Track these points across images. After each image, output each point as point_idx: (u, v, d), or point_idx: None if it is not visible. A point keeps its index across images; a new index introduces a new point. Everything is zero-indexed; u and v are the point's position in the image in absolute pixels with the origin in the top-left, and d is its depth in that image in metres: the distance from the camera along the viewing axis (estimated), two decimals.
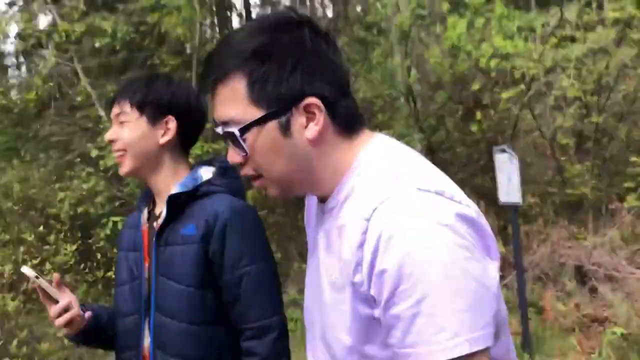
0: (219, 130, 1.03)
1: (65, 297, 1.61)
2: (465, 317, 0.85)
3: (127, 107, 1.63)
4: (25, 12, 6.39)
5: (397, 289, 0.86)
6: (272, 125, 0.98)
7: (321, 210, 1.10)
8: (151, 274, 1.64)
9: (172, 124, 1.64)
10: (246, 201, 1.72)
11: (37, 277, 1.55)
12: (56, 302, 1.59)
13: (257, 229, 1.63)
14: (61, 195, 6.34)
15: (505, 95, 6.13)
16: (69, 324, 1.61)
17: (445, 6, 6.73)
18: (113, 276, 6.52)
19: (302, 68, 0.97)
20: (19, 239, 7.23)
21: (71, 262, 6.82)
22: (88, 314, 1.67)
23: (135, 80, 1.71)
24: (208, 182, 1.65)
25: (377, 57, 6.58)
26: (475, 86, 6.78)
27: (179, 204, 1.61)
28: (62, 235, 7.36)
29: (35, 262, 6.43)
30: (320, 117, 0.98)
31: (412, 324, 0.86)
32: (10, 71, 13.70)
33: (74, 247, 7.08)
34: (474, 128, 6.86)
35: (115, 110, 1.65)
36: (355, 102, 1.05)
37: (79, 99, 6.54)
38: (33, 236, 6.80)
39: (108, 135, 1.66)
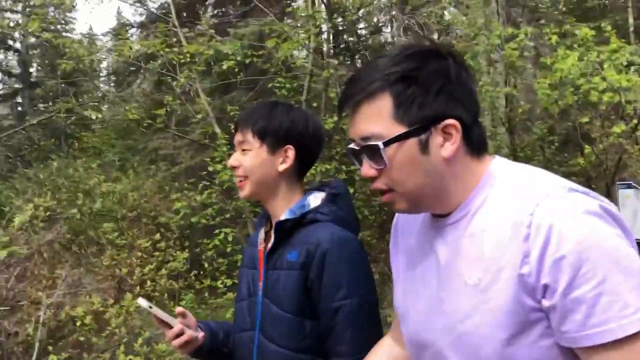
0: (354, 145, 1.12)
1: (187, 321, 1.71)
2: None
3: (249, 136, 1.69)
4: (160, 33, 6.92)
5: (578, 273, 0.93)
6: (412, 142, 1.07)
7: (436, 225, 1.16)
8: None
9: (291, 152, 1.68)
10: (354, 230, 1.70)
11: (150, 307, 1.64)
12: (171, 327, 1.68)
13: (357, 260, 1.61)
14: (178, 205, 6.78)
15: (617, 129, 6.08)
16: (184, 345, 1.69)
17: (554, 39, 6.78)
18: (219, 285, 6.93)
19: (446, 93, 1.07)
20: (133, 244, 7.78)
21: (182, 269, 7.25)
22: (201, 334, 1.73)
23: (257, 109, 1.74)
24: (315, 209, 1.67)
25: (485, 86, 6.68)
26: (584, 119, 6.76)
27: (285, 230, 1.66)
28: (171, 243, 7.86)
29: (151, 266, 6.89)
30: (457, 138, 1.07)
31: (597, 304, 0.92)
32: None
33: (185, 254, 7.53)
34: (580, 161, 6.82)
35: (238, 137, 1.72)
36: (483, 128, 1.15)
37: (199, 116, 7.00)
38: (147, 242, 7.28)
39: (231, 162, 1.73)
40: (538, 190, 1.01)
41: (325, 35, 7.74)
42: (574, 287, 0.93)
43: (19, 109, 28.30)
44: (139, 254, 7.11)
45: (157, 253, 7.58)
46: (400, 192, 1.11)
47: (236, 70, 6.91)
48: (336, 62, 7.01)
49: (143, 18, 14.93)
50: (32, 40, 28.62)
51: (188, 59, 6.72)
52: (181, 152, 9.41)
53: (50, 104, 28.17)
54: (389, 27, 7.63)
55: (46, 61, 28.09)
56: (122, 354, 5.27)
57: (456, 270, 1.08)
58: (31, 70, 28.80)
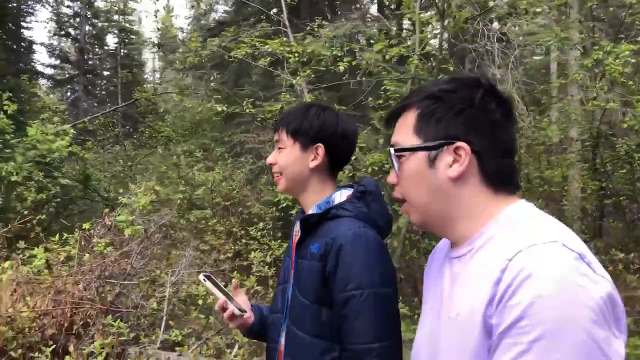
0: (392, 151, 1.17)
1: (239, 297, 1.95)
2: None
3: (284, 135, 1.84)
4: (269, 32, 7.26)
5: (519, 322, 0.90)
6: (422, 155, 1.12)
7: (450, 256, 1.17)
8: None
9: (321, 150, 1.80)
10: (378, 228, 1.74)
11: (204, 280, 1.84)
12: (228, 298, 1.88)
13: (372, 256, 1.64)
14: (281, 196, 7.12)
15: None
16: (230, 319, 1.89)
17: None
18: None
19: (465, 117, 1.09)
20: (229, 231, 8.17)
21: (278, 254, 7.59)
22: (247, 314, 1.92)
23: (293, 111, 1.88)
24: (338, 205, 1.76)
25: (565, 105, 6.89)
26: None
27: (311, 223, 1.77)
28: (264, 232, 8.22)
29: (255, 253, 7.25)
30: (466, 160, 1.08)
31: (519, 359, 0.89)
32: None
33: (277, 243, 7.88)
34: None
35: (275, 137, 1.88)
36: (513, 167, 1.13)
37: None
38: (252, 229, 7.63)
39: (269, 159, 1.88)
40: (530, 238, 0.98)
41: (433, 41, 7.99)
42: (508, 335, 0.92)
43: (74, 95, 29.15)
44: (242, 240, 7.46)
45: (251, 241, 7.92)
46: (411, 204, 1.16)
47: (342, 70, 7.21)
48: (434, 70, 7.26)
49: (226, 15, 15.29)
50: (88, 28, 29.47)
51: (301, 58, 7.06)
52: (265, 146, 9.78)
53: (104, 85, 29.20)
54: (484, 37, 7.89)
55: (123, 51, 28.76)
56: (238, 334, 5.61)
57: (448, 303, 1.10)
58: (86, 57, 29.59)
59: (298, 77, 6.93)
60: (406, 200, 1.16)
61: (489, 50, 10.06)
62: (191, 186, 8.42)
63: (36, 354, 5.38)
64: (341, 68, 6.84)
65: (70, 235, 6.55)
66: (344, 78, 7.55)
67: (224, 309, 1.86)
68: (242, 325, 1.96)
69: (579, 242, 0.98)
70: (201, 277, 1.84)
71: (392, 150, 1.15)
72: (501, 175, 1.11)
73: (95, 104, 29.79)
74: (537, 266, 0.92)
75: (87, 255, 6.26)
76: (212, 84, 12.88)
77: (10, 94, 7.93)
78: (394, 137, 1.18)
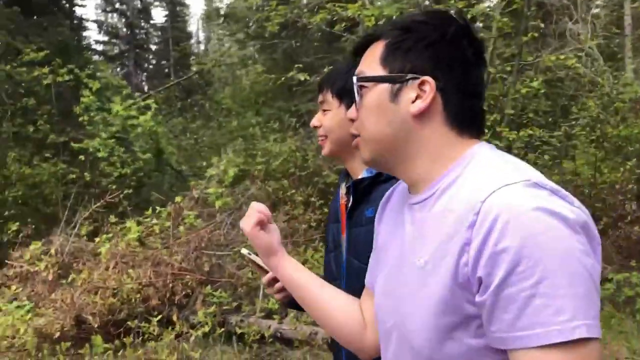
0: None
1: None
2: (582, 303, 0.85)
3: (328, 96, 1.72)
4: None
5: (516, 268, 0.85)
6: (385, 87, 1.05)
7: (409, 202, 1.11)
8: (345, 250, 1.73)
9: None
10: None
11: (249, 254, 1.73)
12: (267, 272, 1.70)
13: None
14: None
15: None
16: (279, 291, 1.73)
17: None
18: None
19: (434, 50, 1.03)
20: (307, 201, 8.17)
21: None
22: None
23: (336, 69, 1.75)
24: None
25: None
26: None
27: (363, 188, 1.68)
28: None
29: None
30: (429, 97, 1.02)
31: (528, 305, 0.85)
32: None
33: None
34: None
35: (320, 98, 1.75)
36: (479, 110, 1.08)
37: None
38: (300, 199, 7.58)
39: (313, 121, 1.76)
40: (501, 178, 0.93)
41: None
42: (507, 284, 0.86)
43: (124, 70, 29.58)
44: (323, 209, 7.46)
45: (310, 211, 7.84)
46: (365, 139, 1.10)
47: None
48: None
49: None
50: (137, 3, 29.68)
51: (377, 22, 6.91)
52: None
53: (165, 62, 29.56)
54: None
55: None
56: None
57: (413, 250, 1.04)
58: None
59: None
60: (360, 134, 1.11)
61: (565, 5, 9.69)
62: (268, 157, 8.44)
63: (143, 324, 5.57)
64: None
65: (163, 209, 6.68)
66: None
67: (271, 282, 1.74)
68: (288, 296, 1.79)
69: (548, 180, 0.95)
70: (244, 251, 1.77)
71: (354, 79, 1.09)
72: (466, 116, 1.05)
73: (143, 78, 30.19)
74: (516, 206, 0.87)
75: (181, 227, 6.39)
76: (273, 54, 12.82)
77: (89, 72, 8.08)
78: (359, 66, 1.11)
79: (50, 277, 6.25)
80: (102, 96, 9.03)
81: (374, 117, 1.07)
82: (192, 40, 36.63)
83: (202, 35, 39.79)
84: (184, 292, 5.92)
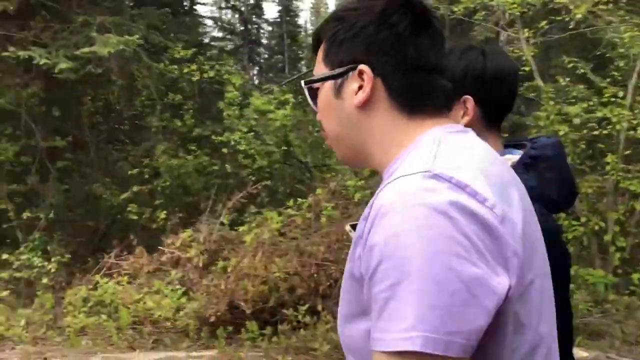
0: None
1: None
2: (430, 314, 0.77)
3: None
4: None
5: (379, 266, 0.81)
6: (329, 85, 1.01)
7: None
8: None
9: (470, 104, 1.47)
10: (549, 203, 1.45)
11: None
12: None
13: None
14: None
15: None
16: None
17: None
18: None
19: (364, 35, 0.97)
20: None
21: None
22: None
23: (450, 52, 1.54)
24: None
25: None
26: None
27: None
28: None
29: None
30: (368, 86, 0.96)
31: (384, 308, 0.80)
32: None
33: None
34: None
35: None
36: (429, 83, 0.98)
37: (526, 68, 6.96)
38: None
39: None
40: (406, 168, 0.88)
41: None
42: (373, 283, 0.82)
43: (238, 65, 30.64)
44: None
45: None
46: (329, 141, 1.06)
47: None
48: None
49: None
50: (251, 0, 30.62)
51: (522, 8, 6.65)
52: None
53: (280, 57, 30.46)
54: None
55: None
56: None
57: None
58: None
59: (525, 31, 6.53)
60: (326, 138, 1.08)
61: None
62: None
63: (290, 311, 5.75)
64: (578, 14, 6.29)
65: (303, 200, 6.86)
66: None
67: None
68: None
69: (474, 170, 0.86)
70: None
71: (302, 83, 1.07)
72: (413, 95, 0.98)
73: (255, 73, 31.15)
74: (393, 201, 0.82)
75: (323, 218, 6.52)
76: None
77: (230, 68, 8.46)
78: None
79: (200, 264, 6.63)
80: (241, 91, 9.46)
81: (326, 117, 1.04)
82: (302, 34, 37.36)
83: (310, 29, 40.47)
84: (328, 283, 6.04)
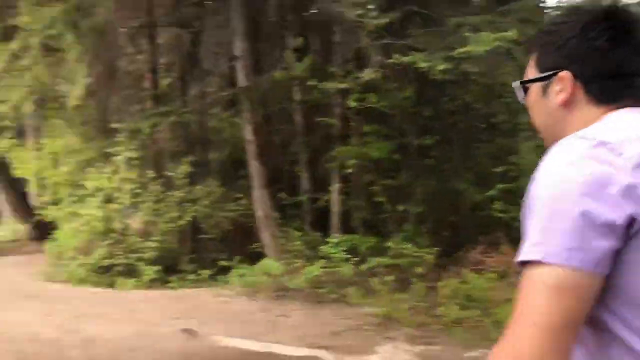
0: None
1: None
2: (552, 234, 0.96)
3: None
4: None
5: (530, 208, 1.02)
6: (537, 86, 1.22)
7: None
8: None
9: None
10: None
11: None
12: None
13: None
14: None
15: None
16: None
17: None
18: None
19: (568, 47, 1.16)
20: None
21: None
22: None
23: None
24: None
25: None
26: None
27: None
28: None
29: None
30: (568, 87, 1.16)
31: (527, 229, 1.02)
32: None
33: None
34: None
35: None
36: (622, 87, 1.12)
37: None
38: None
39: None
40: (572, 135, 1.07)
41: None
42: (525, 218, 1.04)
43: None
44: None
45: None
46: (538, 132, 1.26)
47: None
48: None
49: None
50: None
51: None
52: None
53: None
54: None
55: None
56: None
57: None
58: None
59: None
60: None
61: None
62: None
63: None
64: None
65: None
66: None
67: None
68: None
69: (630, 134, 1.03)
70: None
71: (517, 83, 1.26)
72: (609, 97, 1.14)
73: None
74: (547, 160, 1.03)
75: None
76: None
77: None
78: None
79: None
80: None
81: (534, 112, 1.25)
82: None
83: None
84: None
